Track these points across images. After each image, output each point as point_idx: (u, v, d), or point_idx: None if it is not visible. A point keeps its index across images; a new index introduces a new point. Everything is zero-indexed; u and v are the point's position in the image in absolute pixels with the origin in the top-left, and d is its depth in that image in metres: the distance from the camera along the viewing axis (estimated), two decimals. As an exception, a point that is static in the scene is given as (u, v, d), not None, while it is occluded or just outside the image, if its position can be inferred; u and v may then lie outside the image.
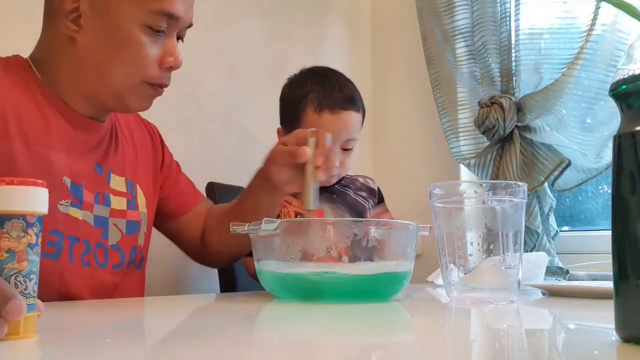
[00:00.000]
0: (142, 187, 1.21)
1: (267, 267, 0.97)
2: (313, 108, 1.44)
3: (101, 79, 1.05)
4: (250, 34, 1.98)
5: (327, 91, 1.45)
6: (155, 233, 1.31)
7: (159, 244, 1.37)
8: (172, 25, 1.06)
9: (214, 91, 1.85)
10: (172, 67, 1.08)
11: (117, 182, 1.15)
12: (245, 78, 1.95)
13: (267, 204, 1.23)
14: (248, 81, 1.95)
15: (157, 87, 1.08)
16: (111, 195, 1.13)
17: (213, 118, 1.84)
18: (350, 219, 1.39)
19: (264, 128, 1.96)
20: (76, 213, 1.06)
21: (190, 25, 1.11)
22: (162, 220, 1.32)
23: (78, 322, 0.78)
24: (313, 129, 1.14)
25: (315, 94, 1.45)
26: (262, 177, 1.20)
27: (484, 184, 0.99)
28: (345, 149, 1.47)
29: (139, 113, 1.29)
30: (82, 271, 1.06)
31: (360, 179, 1.64)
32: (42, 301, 0.58)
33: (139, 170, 1.22)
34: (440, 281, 1.32)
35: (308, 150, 1.08)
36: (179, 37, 1.11)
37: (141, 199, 1.20)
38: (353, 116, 1.47)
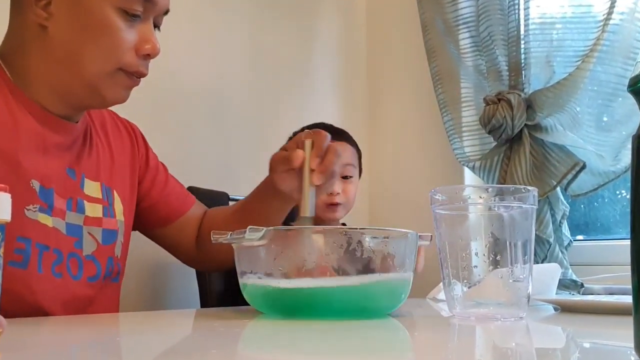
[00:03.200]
0: (119, 193, 1.22)
1: (252, 280, 0.97)
2: None
3: (74, 70, 1.05)
4: (236, 27, 1.98)
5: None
6: (131, 243, 1.30)
7: (135, 255, 1.37)
8: (148, 10, 1.07)
9: (195, 88, 1.85)
10: (150, 55, 1.08)
11: (92, 188, 1.16)
12: (229, 74, 1.95)
13: (277, 210, 1.26)
14: (232, 77, 1.95)
15: (134, 76, 1.09)
16: (85, 202, 1.13)
17: (194, 117, 1.84)
18: (344, 227, 1.39)
19: (249, 129, 1.96)
20: (46, 219, 1.06)
21: (167, 12, 1.12)
22: (155, 226, 1.33)
23: (45, 340, 0.77)
24: (310, 130, 1.15)
25: None
26: (270, 185, 1.21)
27: (490, 189, 1.00)
28: (344, 177, 1.60)
29: (117, 113, 1.30)
30: (54, 282, 1.06)
31: None
32: (9, 316, 0.58)
33: (115, 175, 1.22)
34: (441, 296, 1.32)
35: (301, 153, 1.09)
36: (156, 25, 1.12)
37: (118, 206, 1.21)
38: (345, 146, 1.59)
